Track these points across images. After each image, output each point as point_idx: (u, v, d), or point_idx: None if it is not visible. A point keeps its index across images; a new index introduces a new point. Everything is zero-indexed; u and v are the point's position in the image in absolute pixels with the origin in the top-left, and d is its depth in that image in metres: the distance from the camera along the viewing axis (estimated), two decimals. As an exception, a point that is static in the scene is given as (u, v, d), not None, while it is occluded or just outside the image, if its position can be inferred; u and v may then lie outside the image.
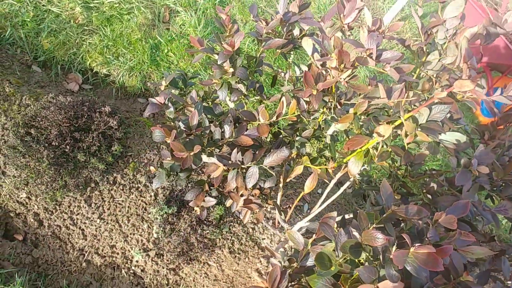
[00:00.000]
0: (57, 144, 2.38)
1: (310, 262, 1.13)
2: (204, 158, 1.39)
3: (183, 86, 1.70)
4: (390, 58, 1.10)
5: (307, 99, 1.45)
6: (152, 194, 2.44)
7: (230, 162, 1.37)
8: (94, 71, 3.23)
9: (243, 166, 1.38)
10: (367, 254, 1.00)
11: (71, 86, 3.11)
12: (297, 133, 1.67)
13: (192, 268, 2.36)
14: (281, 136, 1.71)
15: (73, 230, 2.34)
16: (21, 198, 2.34)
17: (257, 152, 1.42)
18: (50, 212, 2.35)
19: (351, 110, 1.33)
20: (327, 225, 1.09)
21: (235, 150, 1.36)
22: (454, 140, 1.49)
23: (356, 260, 1.06)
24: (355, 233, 1.03)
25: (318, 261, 1.04)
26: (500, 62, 4.12)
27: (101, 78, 3.20)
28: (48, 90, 2.90)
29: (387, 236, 0.95)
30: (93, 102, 2.65)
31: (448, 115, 1.57)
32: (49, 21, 3.22)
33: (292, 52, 1.69)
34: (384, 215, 1.08)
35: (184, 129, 1.36)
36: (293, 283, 1.16)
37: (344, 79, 1.20)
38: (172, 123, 1.38)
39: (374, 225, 1.01)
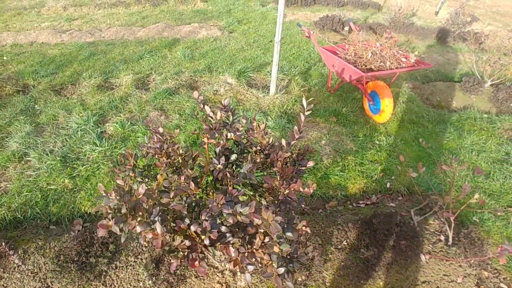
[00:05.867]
0: (77, 259, 3.98)
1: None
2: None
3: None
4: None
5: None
6: (140, 264, 3.97)
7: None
8: (88, 213, 4.94)
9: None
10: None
11: (77, 228, 4.77)
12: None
13: (177, 297, 3.79)
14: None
15: (102, 304, 3.81)
16: (66, 298, 3.85)
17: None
18: (85, 299, 3.84)
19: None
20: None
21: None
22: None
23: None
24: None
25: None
26: (354, 78, 5.73)
27: (94, 214, 4.90)
28: (67, 235, 4.56)
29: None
30: (91, 228, 4.31)
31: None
32: (51, 195, 5.02)
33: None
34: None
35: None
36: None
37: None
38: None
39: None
